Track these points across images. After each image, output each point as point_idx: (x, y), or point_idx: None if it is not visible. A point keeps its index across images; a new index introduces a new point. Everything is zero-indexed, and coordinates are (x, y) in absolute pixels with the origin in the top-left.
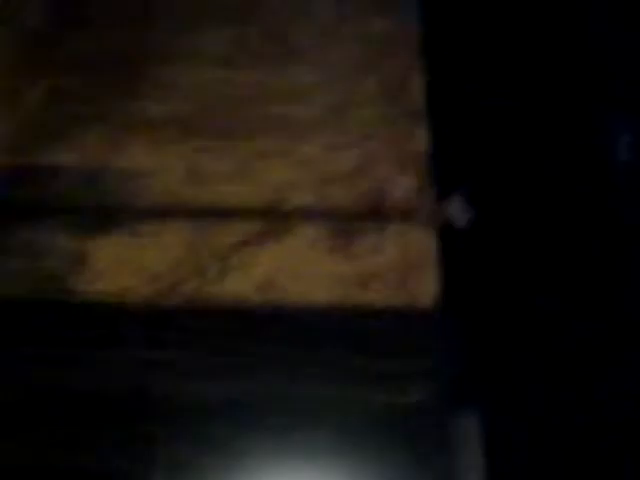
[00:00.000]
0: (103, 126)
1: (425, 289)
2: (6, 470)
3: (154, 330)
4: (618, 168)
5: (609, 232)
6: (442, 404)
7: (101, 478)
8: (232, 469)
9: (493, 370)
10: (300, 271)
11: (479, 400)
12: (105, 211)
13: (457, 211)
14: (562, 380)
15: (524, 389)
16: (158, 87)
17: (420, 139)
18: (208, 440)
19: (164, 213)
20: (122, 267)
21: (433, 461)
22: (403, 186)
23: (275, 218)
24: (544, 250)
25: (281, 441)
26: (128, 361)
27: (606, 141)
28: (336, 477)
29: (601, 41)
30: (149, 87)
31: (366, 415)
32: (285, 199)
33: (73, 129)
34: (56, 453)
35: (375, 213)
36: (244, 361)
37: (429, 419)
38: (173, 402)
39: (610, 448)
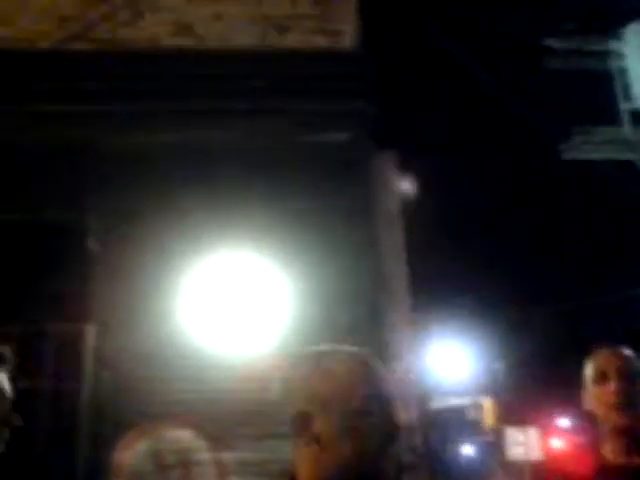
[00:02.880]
0: None
1: (346, 29)
2: None
3: (66, 79)
4: None
5: None
6: (364, 143)
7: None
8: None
9: (411, 114)
10: (217, 13)
11: (397, 140)
12: None
13: None
14: (473, 134)
15: (440, 135)
16: None
17: None
18: (151, 187)
19: None
20: (29, 11)
21: (354, 192)
22: None
23: None
24: None
25: (216, 183)
26: (44, 113)
27: None
28: (270, 210)
29: None
30: None
31: (293, 153)
32: None
33: None
34: None
35: None
36: (165, 108)
37: (352, 156)
38: (100, 151)
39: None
